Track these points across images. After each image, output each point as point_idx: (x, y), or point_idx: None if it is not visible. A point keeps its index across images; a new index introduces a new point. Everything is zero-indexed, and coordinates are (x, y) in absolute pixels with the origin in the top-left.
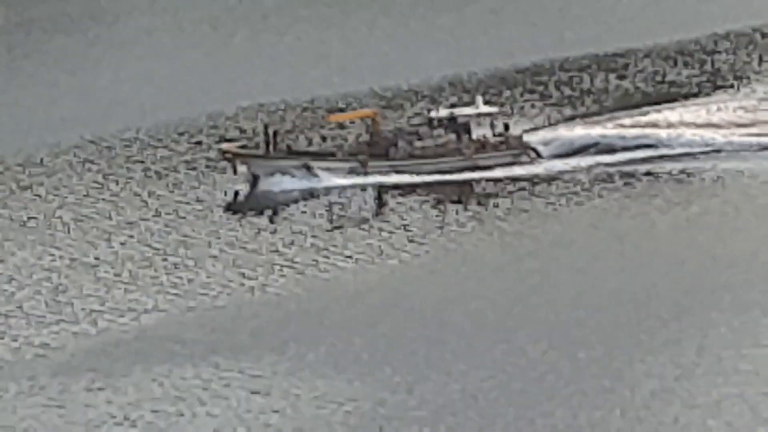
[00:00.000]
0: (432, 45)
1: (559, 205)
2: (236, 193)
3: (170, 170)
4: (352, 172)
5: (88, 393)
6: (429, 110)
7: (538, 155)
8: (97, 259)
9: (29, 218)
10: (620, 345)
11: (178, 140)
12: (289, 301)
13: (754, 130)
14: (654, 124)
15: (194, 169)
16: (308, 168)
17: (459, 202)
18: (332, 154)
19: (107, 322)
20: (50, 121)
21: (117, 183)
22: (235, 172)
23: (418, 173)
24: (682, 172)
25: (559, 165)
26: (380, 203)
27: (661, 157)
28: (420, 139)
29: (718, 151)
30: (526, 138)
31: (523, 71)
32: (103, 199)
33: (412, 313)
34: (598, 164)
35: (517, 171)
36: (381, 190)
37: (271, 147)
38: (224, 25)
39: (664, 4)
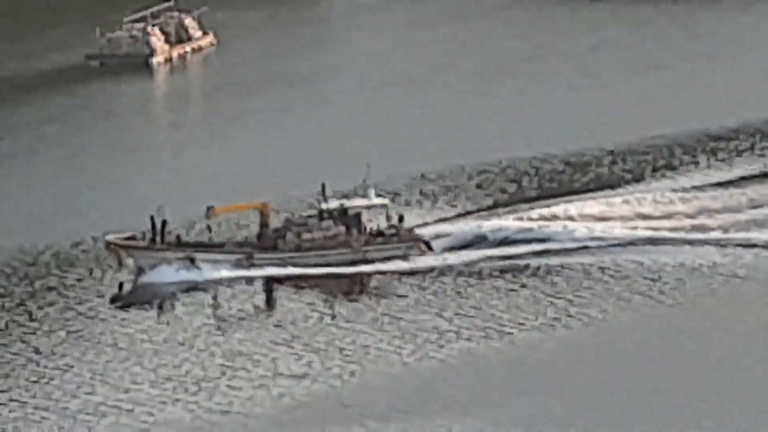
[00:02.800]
0: None
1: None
2: (120, 286)
3: None
4: (237, 264)
5: None
6: (319, 201)
7: (429, 248)
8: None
9: None
10: None
11: None
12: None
13: (650, 224)
14: (548, 218)
15: None
16: (191, 260)
17: (350, 295)
18: (220, 246)
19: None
20: None
21: None
22: (120, 263)
23: (306, 266)
24: (570, 266)
25: (451, 258)
26: (269, 296)
27: (555, 251)
28: (309, 231)
29: (616, 245)
30: (418, 231)
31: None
32: None
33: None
34: (490, 257)
35: (408, 264)
36: (270, 283)
37: (158, 238)
38: None
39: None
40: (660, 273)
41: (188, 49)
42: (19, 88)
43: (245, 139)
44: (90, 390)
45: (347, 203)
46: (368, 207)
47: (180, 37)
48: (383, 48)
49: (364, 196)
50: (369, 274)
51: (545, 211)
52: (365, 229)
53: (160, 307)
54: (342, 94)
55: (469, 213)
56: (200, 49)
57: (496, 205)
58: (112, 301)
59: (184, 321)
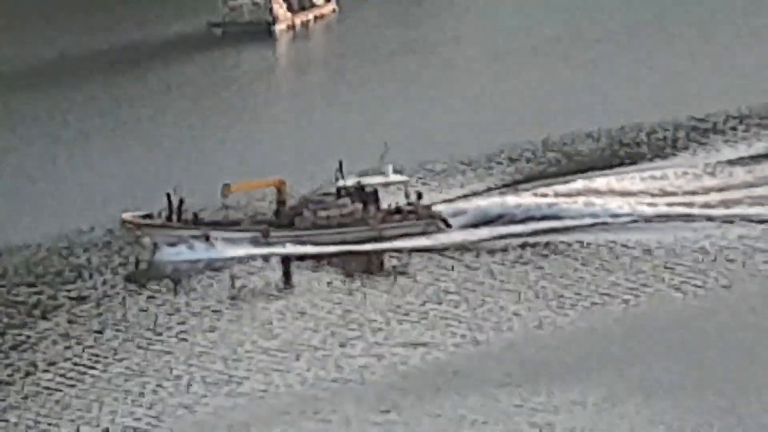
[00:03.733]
0: None
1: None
2: (137, 262)
3: None
4: (253, 242)
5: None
6: (337, 179)
7: (448, 225)
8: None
9: None
10: None
11: None
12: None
13: (669, 200)
14: (569, 194)
15: None
16: (206, 238)
17: (368, 273)
18: (236, 224)
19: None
20: None
21: None
22: (137, 241)
23: (322, 244)
24: (595, 243)
25: (469, 235)
26: (287, 274)
27: (574, 228)
28: (325, 208)
29: (635, 221)
30: (436, 208)
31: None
32: None
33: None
34: (509, 235)
35: (425, 242)
36: (287, 260)
37: (174, 216)
38: None
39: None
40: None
41: (310, 16)
42: (141, 56)
43: (366, 108)
44: (206, 360)
45: (364, 180)
46: (386, 184)
47: (302, 4)
48: (506, 15)
49: (382, 173)
50: (386, 251)
51: (567, 188)
52: (382, 206)
53: (176, 283)
54: (464, 63)
55: (491, 189)
56: (322, 16)
57: (516, 182)
58: (127, 278)
59: (300, 289)
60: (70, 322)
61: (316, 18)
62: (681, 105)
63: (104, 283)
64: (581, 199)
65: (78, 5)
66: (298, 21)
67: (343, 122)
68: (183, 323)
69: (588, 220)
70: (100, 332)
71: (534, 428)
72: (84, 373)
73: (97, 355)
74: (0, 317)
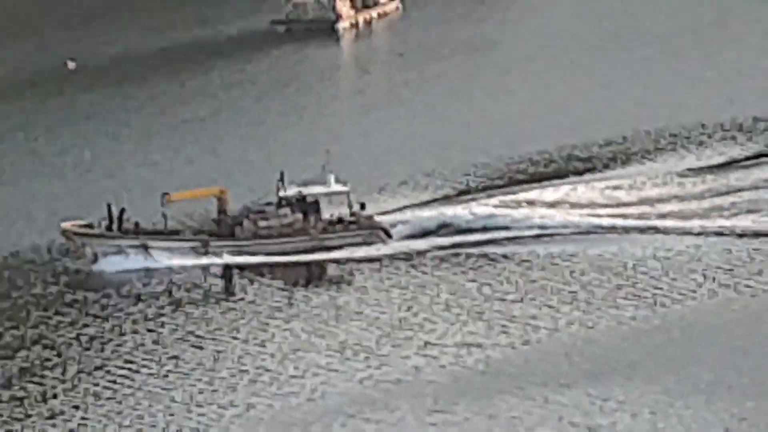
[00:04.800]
0: None
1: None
2: (76, 272)
3: None
4: (192, 252)
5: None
6: (278, 189)
7: (388, 235)
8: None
9: None
10: None
11: None
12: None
13: (613, 211)
14: (510, 205)
15: None
16: (145, 248)
17: (308, 283)
18: (176, 233)
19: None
20: None
21: None
22: (77, 251)
23: (262, 254)
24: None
25: (408, 246)
26: (228, 284)
27: (513, 239)
28: (266, 218)
29: (583, 233)
30: (378, 218)
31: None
32: None
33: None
34: (446, 245)
35: (366, 252)
36: (228, 270)
37: (114, 226)
38: None
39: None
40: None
41: (374, 14)
42: (204, 55)
43: (429, 106)
44: (261, 360)
45: (305, 190)
46: (327, 194)
47: (366, 2)
48: (567, 13)
49: (324, 182)
50: (326, 262)
51: (519, 197)
52: (324, 216)
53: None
54: (525, 61)
55: (441, 199)
56: (385, 14)
57: (463, 192)
58: (67, 285)
59: (354, 292)
60: (128, 321)
61: (379, 15)
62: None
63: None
64: (523, 210)
65: (141, 4)
66: (361, 19)
67: (404, 120)
68: (237, 323)
69: (530, 231)
70: (152, 330)
71: (587, 431)
72: (137, 372)
73: (151, 353)
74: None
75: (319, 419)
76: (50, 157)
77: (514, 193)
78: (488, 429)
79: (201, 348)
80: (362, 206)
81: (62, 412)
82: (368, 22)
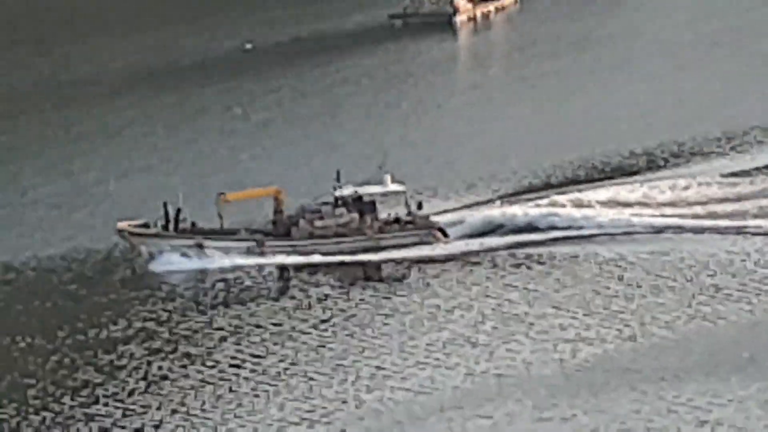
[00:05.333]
0: None
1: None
2: (133, 270)
3: None
4: (248, 251)
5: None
6: (335, 188)
7: (445, 235)
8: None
9: None
10: None
11: None
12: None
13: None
14: (564, 205)
15: None
16: (200, 247)
17: (365, 282)
18: (233, 233)
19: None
20: None
21: None
22: (133, 250)
23: (318, 254)
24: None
25: (466, 245)
26: (283, 283)
27: (570, 238)
28: (322, 218)
29: (637, 233)
30: (434, 218)
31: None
32: None
33: None
34: (505, 245)
35: (422, 252)
36: (283, 270)
37: (171, 225)
38: None
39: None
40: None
41: (491, 8)
42: (321, 49)
43: (545, 100)
44: (371, 354)
45: (362, 190)
46: (384, 194)
47: None
48: (683, 7)
49: (380, 182)
50: (383, 262)
51: (568, 198)
52: (380, 215)
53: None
54: (642, 57)
55: (495, 199)
56: (503, 8)
57: (517, 192)
58: (123, 283)
59: (464, 286)
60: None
61: (497, 9)
62: None
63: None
64: (578, 210)
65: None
66: (478, 12)
67: (520, 115)
68: (347, 318)
69: (586, 231)
70: (259, 326)
71: (701, 426)
72: (240, 367)
73: (257, 344)
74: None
75: (430, 414)
76: (167, 151)
77: (569, 192)
78: (599, 424)
79: (302, 343)
80: (419, 206)
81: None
82: (486, 16)
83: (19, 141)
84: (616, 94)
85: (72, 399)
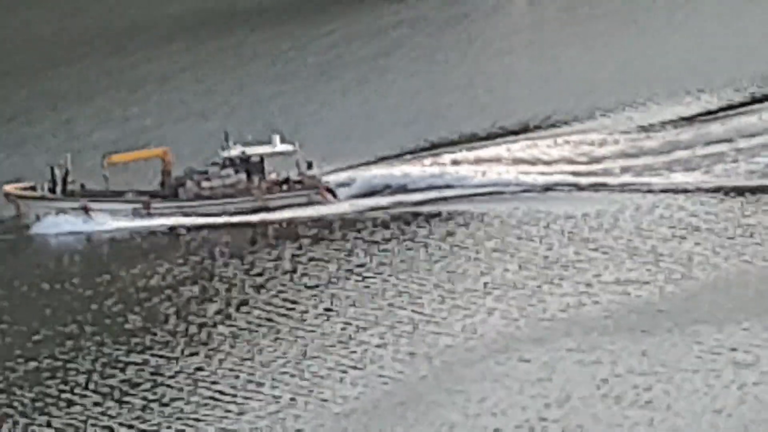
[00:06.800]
0: None
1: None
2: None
3: None
4: (134, 213)
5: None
6: (222, 149)
7: (334, 195)
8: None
9: None
10: None
11: None
12: None
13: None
14: (455, 163)
15: None
16: (85, 210)
17: (253, 243)
18: (118, 194)
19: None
20: None
21: None
22: (19, 212)
23: (206, 215)
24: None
25: (356, 205)
26: (173, 244)
27: (461, 197)
28: (209, 179)
29: (529, 191)
30: (325, 178)
31: None
32: None
33: None
34: (395, 204)
35: (310, 212)
36: (173, 230)
37: (58, 188)
38: None
39: None
40: None
41: None
42: None
43: (607, 41)
44: (413, 301)
45: (249, 150)
46: (271, 154)
47: None
48: None
49: (269, 142)
50: (270, 222)
51: (457, 156)
52: (268, 176)
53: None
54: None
55: (382, 159)
56: None
57: (407, 152)
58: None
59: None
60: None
61: None
62: None
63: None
64: (471, 168)
65: None
66: None
67: (584, 55)
68: (393, 263)
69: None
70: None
71: (738, 366)
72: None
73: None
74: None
75: (477, 359)
76: (222, 94)
77: (463, 150)
78: (642, 364)
79: (356, 288)
80: (309, 165)
81: None
82: None
83: (74, 87)
84: (682, 33)
85: None
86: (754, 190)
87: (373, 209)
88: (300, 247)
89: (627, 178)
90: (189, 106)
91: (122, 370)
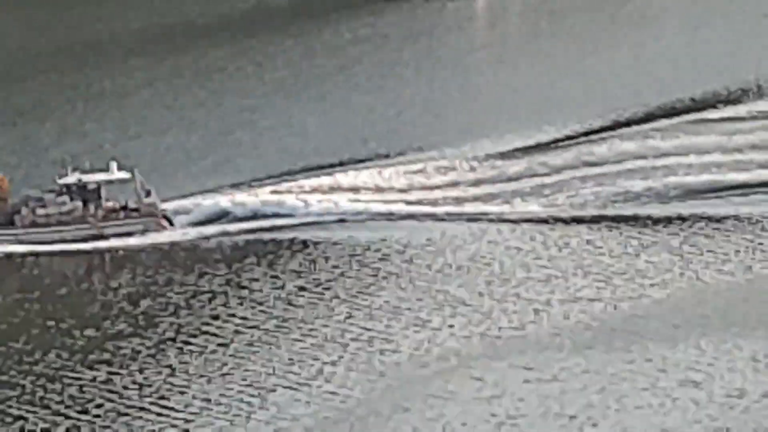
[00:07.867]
0: None
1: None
2: None
3: None
4: None
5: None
6: (59, 176)
7: (171, 223)
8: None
9: None
10: None
11: None
12: None
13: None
14: (292, 192)
15: None
16: None
17: (88, 273)
18: None
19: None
20: None
21: None
22: None
23: (41, 242)
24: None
25: (189, 234)
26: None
27: (292, 226)
28: (44, 206)
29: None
30: (162, 206)
31: None
32: None
33: None
34: (226, 233)
35: (145, 240)
36: (8, 259)
37: None
38: None
39: None
40: None
41: None
42: (334, 8)
43: (563, 58)
44: (367, 319)
45: (86, 178)
46: (108, 182)
47: None
48: None
49: (106, 170)
50: (105, 251)
51: (311, 183)
52: (105, 204)
53: None
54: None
55: (222, 187)
56: None
57: (245, 182)
58: None
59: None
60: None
61: None
62: None
63: None
64: (311, 197)
65: None
66: None
67: (535, 73)
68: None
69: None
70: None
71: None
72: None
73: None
74: None
75: (421, 376)
76: (185, 110)
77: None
78: (588, 383)
79: (302, 307)
80: (147, 193)
81: None
82: None
83: (34, 102)
84: (631, 50)
85: None
86: (594, 220)
87: (206, 237)
88: (133, 276)
89: (456, 208)
90: (147, 122)
91: None
